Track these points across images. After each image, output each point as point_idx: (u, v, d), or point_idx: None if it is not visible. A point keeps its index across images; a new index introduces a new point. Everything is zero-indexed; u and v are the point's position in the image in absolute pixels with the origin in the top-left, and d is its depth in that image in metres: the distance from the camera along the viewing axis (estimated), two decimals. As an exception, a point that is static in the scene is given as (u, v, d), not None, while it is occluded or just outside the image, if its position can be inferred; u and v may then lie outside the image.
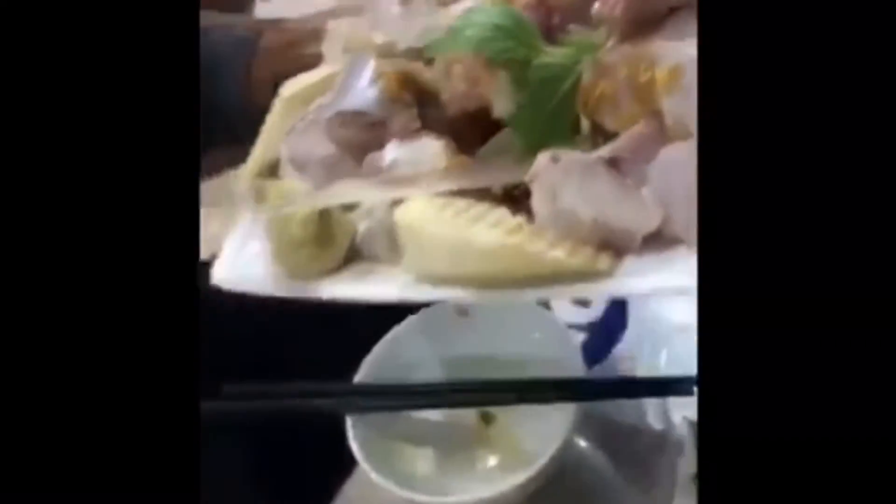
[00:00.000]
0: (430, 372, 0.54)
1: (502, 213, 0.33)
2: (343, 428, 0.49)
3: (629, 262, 0.31)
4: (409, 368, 0.54)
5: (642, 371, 0.54)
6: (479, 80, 0.37)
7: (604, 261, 0.31)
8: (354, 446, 0.48)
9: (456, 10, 0.40)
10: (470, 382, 0.52)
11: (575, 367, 0.49)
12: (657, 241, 0.31)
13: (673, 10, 0.32)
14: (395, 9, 0.44)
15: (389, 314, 0.55)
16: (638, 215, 0.30)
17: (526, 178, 0.32)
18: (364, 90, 0.40)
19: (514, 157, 0.36)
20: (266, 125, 0.45)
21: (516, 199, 0.35)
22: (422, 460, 0.53)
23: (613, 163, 0.31)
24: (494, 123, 0.38)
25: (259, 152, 0.44)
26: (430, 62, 0.40)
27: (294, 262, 0.38)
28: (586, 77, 0.33)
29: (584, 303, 0.58)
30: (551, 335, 0.52)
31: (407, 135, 0.39)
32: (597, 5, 0.33)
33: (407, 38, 0.41)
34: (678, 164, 0.30)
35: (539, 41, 0.35)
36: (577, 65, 0.33)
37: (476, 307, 0.53)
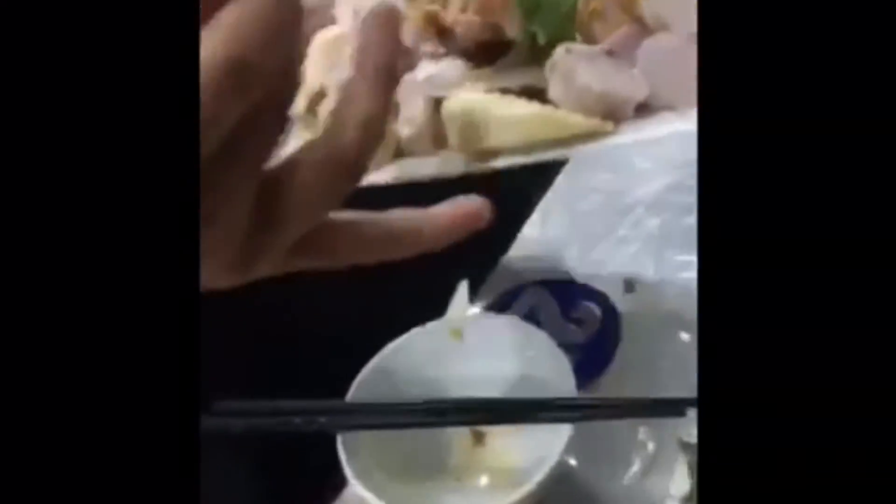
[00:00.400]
0: (421, 391, 0.54)
1: (526, 100, 0.45)
2: (334, 445, 0.49)
3: (626, 124, 0.43)
4: (401, 387, 0.53)
5: (634, 391, 0.54)
6: (493, 10, 0.49)
7: (608, 124, 0.43)
8: (345, 464, 0.48)
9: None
10: (461, 402, 0.51)
11: (567, 387, 0.49)
12: (646, 109, 0.44)
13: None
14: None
15: (381, 332, 0.56)
16: (631, 87, 0.43)
17: (547, 68, 0.44)
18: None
19: (524, 67, 0.48)
20: (306, 66, 0.55)
21: (530, 96, 0.47)
22: (412, 479, 0.52)
23: (610, 52, 0.43)
24: (500, 48, 0.50)
25: (306, 87, 0.54)
26: (445, 6, 0.52)
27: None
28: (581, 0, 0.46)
29: (577, 322, 0.60)
30: (544, 355, 0.51)
31: (435, 57, 0.50)
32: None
33: (426, -13, 0.52)
34: (658, 49, 0.43)
35: None
36: None
37: (469, 328, 0.54)
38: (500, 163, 0.44)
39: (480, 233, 0.42)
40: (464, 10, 0.50)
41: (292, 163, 0.33)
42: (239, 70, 0.28)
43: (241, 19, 0.28)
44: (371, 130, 0.32)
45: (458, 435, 0.53)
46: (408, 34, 0.51)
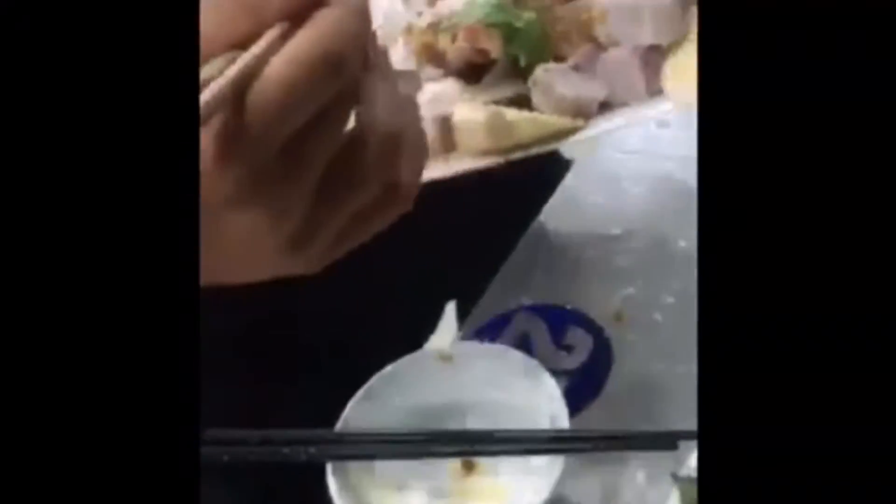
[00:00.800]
0: (411, 419, 0.54)
1: (516, 109, 0.59)
2: (323, 475, 0.50)
3: (593, 120, 0.58)
4: (391, 416, 0.54)
5: (625, 421, 0.55)
6: (478, 39, 0.62)
7: (580, 121, 0.57)
8: (334, 494, 0.49)
9: (446, 5, 0.65)
10: (451, 433, 0.52)
11: (559, 416, 0.50)
12: (608, 107, 0.58)
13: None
14: (399, 6, 0.69)
15: (370, 360, 0.58)
16: (594, 90, 0.57)
17: (530, 83, 0.58)
18: (401, 57, 0.65)
19: (507, 81, 0.62)
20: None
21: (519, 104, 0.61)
22: (401, 508, 0.52)
23: (576, 67, 0.58)
24: (486, 67, 0.64)
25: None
26: (436, 35, 0.66)
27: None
28: (549, 26, 0.60)
29: (567, 348, 0.62)
30: (536, 384, 0.52)
31: (434, 79, 0.64)
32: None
33: (421, 22, 0.66)
34: (612, 61, 0.57)
35: (514, 10, 0.61)
36: (541, 21, 0.60)
37: (460, 354, 0.56)
38: (499, 159, 0.58)
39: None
40: (454, 39, 0.64)
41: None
42: (335, 62, 0.33)
43: (340, 20, 0.33)
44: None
45: (448, 464, 0.53)
46: (409, 61, 0.65)
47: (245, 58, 0.32)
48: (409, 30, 0.66)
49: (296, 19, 0.33)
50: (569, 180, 0.74)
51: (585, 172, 0.73)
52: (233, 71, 0.32)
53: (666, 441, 0.47)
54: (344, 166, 0.37)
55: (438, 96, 0.63)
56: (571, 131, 0.57)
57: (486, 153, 0.59)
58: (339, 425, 0.53)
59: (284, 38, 0.33)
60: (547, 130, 0.57)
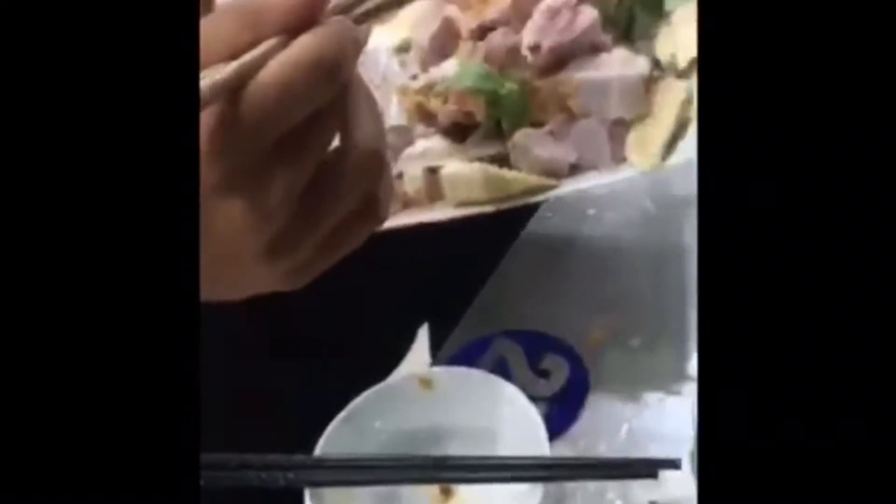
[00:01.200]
0: (390, 444, 0.55)
1: (497, 166, 0.67)
2: (301, 501, 0.50)
3: (564, 180, 0.66)
4: (370, 441, 0.55)
5: (603, 447, 0.55)
6: (466, 102, 0.71)
7: (553, 180, 0.66)
8: None
9: (439, 71, 0.74)
10: (430, 458, 0.52)
11: (539, 443, 0.50)
12: (576, 170, 0.66)
13: (567, 59, 0.68)
14: (396, 68, 0.77)
15: (349, 385, 0.59)
16: (565, 154, 0.66)
17: (509, 145, 0.66)
18: (396, 114, 0.73)
19: (489, 142, 0.70)
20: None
21: (500, 163, 0.69)
22: (380, 534, 0.53)
23: (551, 132, 0.66)
24: (471, 128, 0.72)
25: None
26: (428, 97, 0.74)
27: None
28: (529, 96, 0.69)
29: (544, 374, 0.62)
30: (515, 410, 0.53)
31: (426, 135, 0.72)
32: (528, 57, 0.69)
33: (415, 85, 0.74)
34: (583, 130, 0.66)
35: (499, 80, 0.70)
36: (522, 91, 0.68)
37: (439, 379, 0.57)
38: (482, 210, 0.66)
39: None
40: (444, 101, 0.72)
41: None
42: (330, 68, 0.35)
43: (335, 32, 0.36)
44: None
45: (426, 489, 0.55)
46: (403, 118, 0.73)
47: (244, 59, 0.34)
48: (403, 90, 0.74)
49: (292, 34, 0.35)
50: (543, 211, 0.80)
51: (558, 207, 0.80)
52: (232, 67, 0.34)
53: (647, 469, 0.47)
54: (328, 176, 0.38)
55: (427, 151, 0.71)
56: (545, 188, 0.65)
57: (468, 203, 0.67)
58: (317, 450, 0.54)
59: (281, 47, 0.35)
60: (523, 187, 0.65)
